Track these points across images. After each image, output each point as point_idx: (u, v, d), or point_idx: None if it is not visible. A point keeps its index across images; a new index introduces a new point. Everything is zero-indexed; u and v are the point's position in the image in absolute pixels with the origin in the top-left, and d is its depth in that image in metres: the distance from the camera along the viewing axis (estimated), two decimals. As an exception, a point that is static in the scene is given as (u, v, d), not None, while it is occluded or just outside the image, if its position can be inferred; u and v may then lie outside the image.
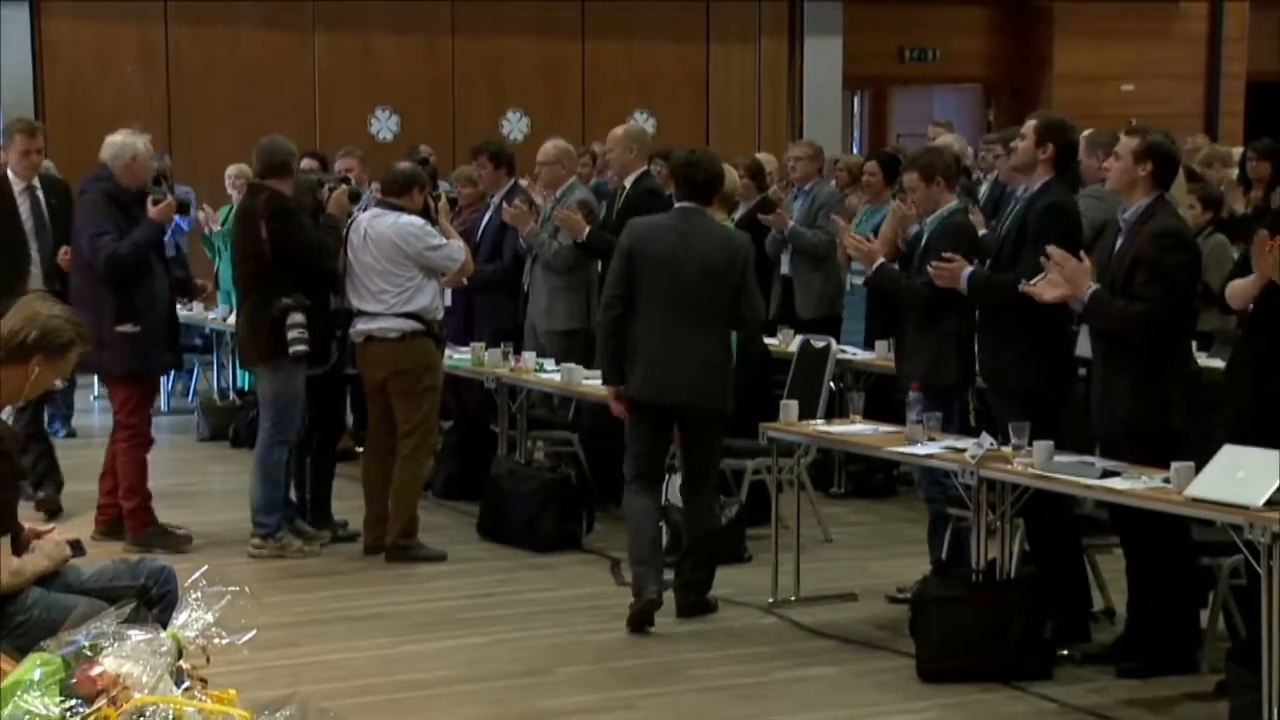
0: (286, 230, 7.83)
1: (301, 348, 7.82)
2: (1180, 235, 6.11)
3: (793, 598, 7.22)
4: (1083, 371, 6.68)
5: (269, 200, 7.88)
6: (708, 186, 6.98)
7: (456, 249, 8.01)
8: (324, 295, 8.02)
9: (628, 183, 9.08)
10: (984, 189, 10.03)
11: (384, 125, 15.37)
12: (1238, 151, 11.15)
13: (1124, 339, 6.06)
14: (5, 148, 8.75)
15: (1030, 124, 6.67)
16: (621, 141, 9.01)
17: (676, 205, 7.02)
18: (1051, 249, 6.15)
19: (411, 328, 7.93)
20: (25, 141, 8.67)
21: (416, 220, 7.96)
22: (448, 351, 8.80)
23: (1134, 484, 5.71)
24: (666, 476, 7.94)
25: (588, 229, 8.86)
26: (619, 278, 6.89)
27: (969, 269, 6.72)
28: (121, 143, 8.08)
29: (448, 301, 9.51)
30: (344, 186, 8.31)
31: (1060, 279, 6.13)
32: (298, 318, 7.81)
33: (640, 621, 6.83)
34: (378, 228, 7.94)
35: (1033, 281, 6.23)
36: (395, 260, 7.91)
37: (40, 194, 8.75)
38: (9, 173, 8.69)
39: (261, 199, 7.90)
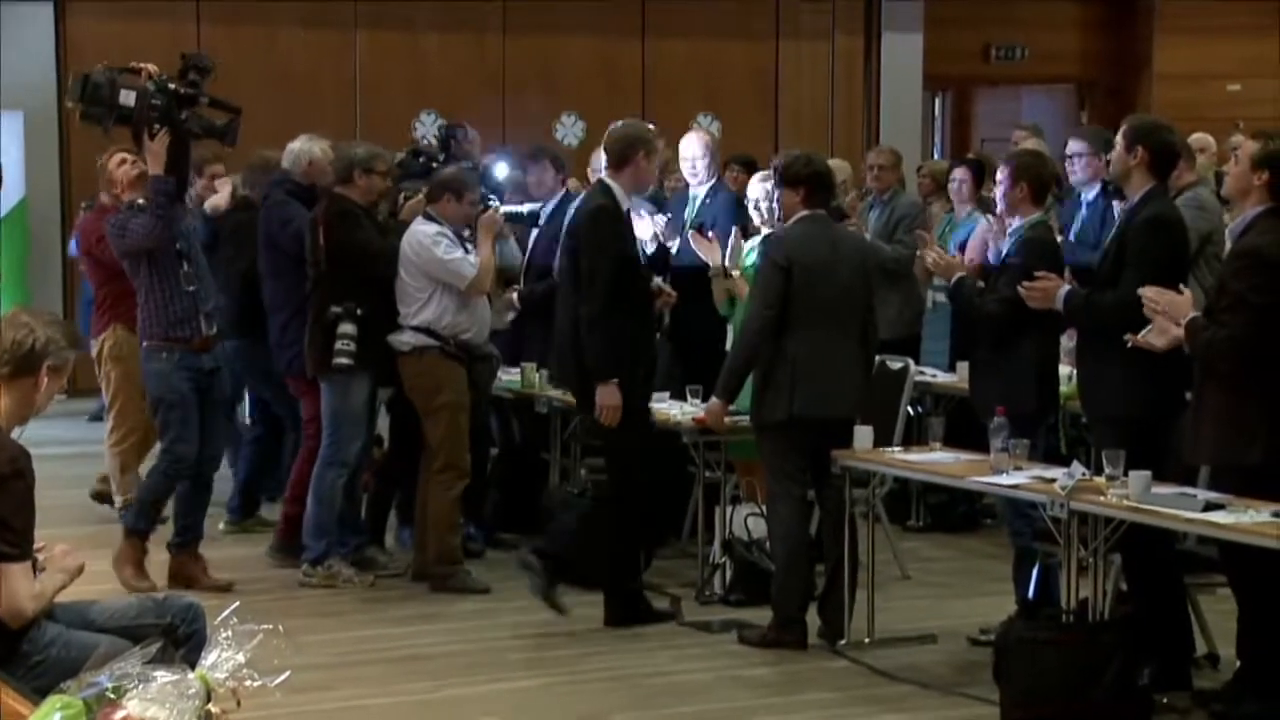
0: (342, 234, 8.10)
1: (345, 360, 7.97)
2: (1256, 255, 5.98)
3: (867, 639, 7.20)
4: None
5: (328, 205, 8.26)
6: (831, 191, 7.44)
7: (465, 264, 8.07)
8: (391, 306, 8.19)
9: (700, 192, 9.12)
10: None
11: (429, 129, 15.43)
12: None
13: (1212, 368, 6.01)
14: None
15: (1121, 129, 6.64)
16: (709, 148, 9.13)
17: (806, 213, 7.24)
18: (1144, 291, 6.12)
19: (423, 342, 8.10)
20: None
21: (429, 229, 8.11)
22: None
23: (1239, 518, 5.67)
24: (731, 508, 7.98)
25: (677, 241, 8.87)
26: (777, 293, 7.12)
27: (1065, 288, 6.69)
28: (298, 149, 8.80)
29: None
30: (422, 195, 8.47)
31: (1163, 323, 6.08)
32: (347, 328, 7.97)
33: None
34: (406, 236, 8.13)
35: (1140, 335, 6.16)
36: (408, 269, 8.13)
37: None
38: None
39: (322, 206, 8.30)
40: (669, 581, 8.24)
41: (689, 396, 8.15)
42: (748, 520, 7.95)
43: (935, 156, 16.89)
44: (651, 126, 7.68)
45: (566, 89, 15.92)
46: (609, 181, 7.53)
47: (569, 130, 15.85)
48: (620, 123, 7.70)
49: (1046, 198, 7.36)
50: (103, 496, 9.75)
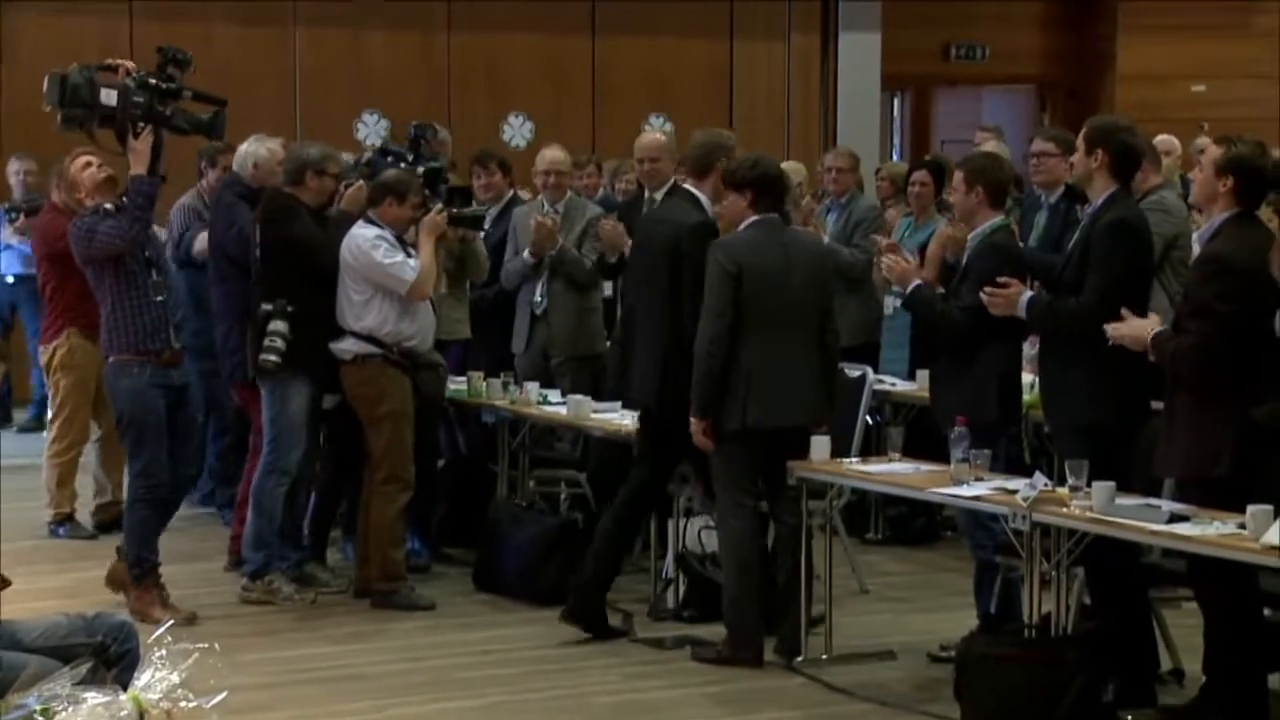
0: (278, 228, 8.11)
1: (272, 358, 7.95)
2: (1220, 261, 6.01)
3: (824, 656, 7.21)
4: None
5: (266, 200, 8.29)
6: (782, 194, 7.37)
7: (405, 268, 8.06)
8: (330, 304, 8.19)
9: (658, 195, 9.13)
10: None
11: (372, 130, 15.39)
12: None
13: (1179, 377, 6.04)
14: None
15: (1082, 131, 6.69)
16: (667, 150, 9.15)
17: (757, 218, 7.23)
18: (1108, 329, 6.18)
19: (365, 350, 8.11)
20: None
21: (368, 232, 8.11)
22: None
23: (1204, 529, 5.70)
24: (684, 520, 7.98)
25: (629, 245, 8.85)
26: (728, 302, 7.10)
27: (1028, 294, 6.72)
28: (244, 151, 8.85)
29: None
30: (362, 182, 8.49)
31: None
32: (278, 325, 7.95)
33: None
34: (346, 240, 8.14)
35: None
36: (348, 274, 8.12)
37: None
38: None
39: (261, 203, 8.33)
40: (621, 597, 8.22)
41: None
42: (701, 533, 7.95)
43: (894, 158, 16.94)
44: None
45: (514, 89, 15.90)
46: (696, 192, 7.60)
47: (517, 131, 15.83)
48: (700, 130, 7.92)
49: (1005, 201, 7.39)
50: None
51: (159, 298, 7.70)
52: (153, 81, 7.56)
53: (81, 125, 7.48)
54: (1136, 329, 6.15)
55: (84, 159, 8.04)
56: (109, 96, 7.45)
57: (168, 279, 7.87)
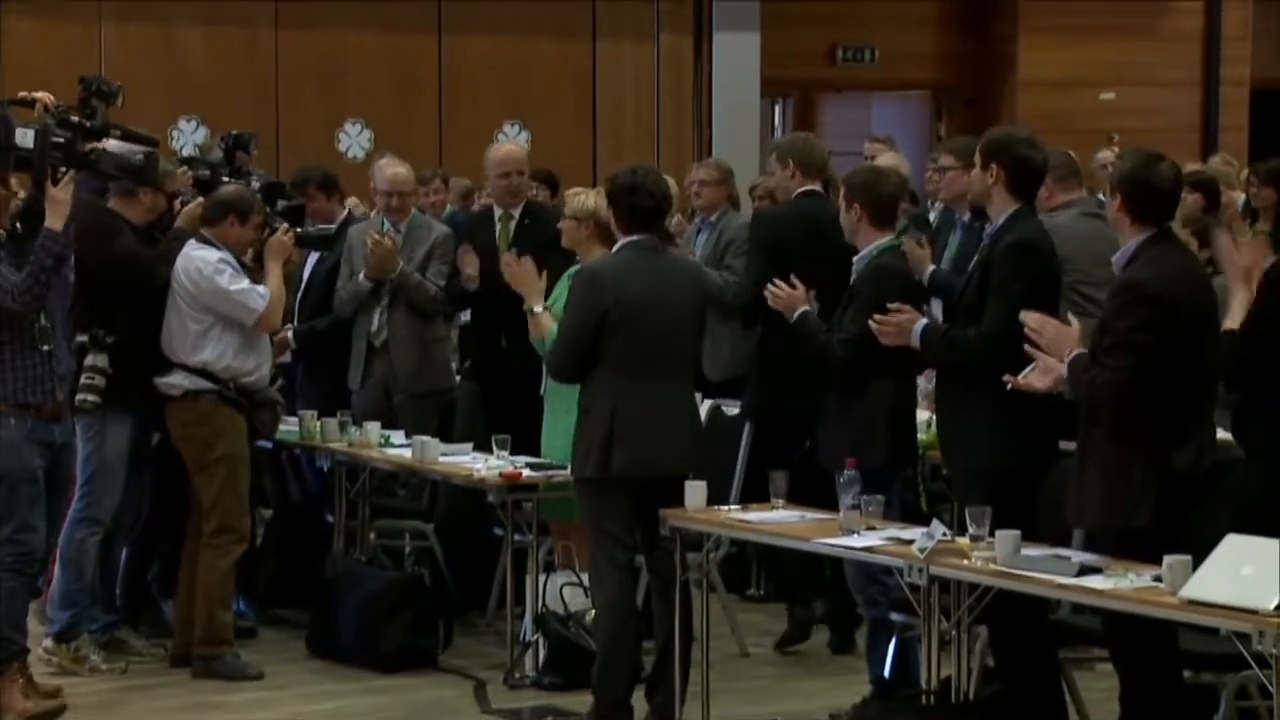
0: (94, 246, 7.88)
1: (90, 398, 7.83)
2: (1137, 289, 6.03)
3: (701, 727, 7.23)
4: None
5: (83, 216, 7.91)
6: (659, 212, 7.35)
7: (254, 295, 8.04)
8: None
9: (515, 211, 9.14)
10: (933, 217, 10.09)
11: (190, 139, 15.27)
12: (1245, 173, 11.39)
13: (1095, 415, 6.09)
14: None
15: (978, 146, 6.78)
16: (527, 163, 9.15)
17: (627, 240, 7.22)
18: (1025, 317, 6.19)
19: (198, 385, 8.06)
20: None
21: (209, 255, 8.06)
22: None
23: (1118, 582, 5.76)
24: (544, 576, 7.98)
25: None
26: (584, 334, 7.07)
27: (922, 322, 6.77)
28: None
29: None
30: (202, 199, 8.38)
31: (1048, 362, 6.14)
32: (96, 360, 7.85)
33: None
34: (180, 263, 8.07)
35: (1021, 375, 6.22)
36: (185, 301, 8.06)
37: None
38: None
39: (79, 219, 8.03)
40: (473, 663, 8.20)
41: (495, 448, 8.13)
42: (563, 591, 7.94)
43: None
44: None
45: (351, 94, 15.83)
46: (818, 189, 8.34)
47: (354, 141, 15.77)
48: (799, 136, 8.36)
49: (892, 219, 7.44)
50: None
51: (45, 346, 7.41)
52: (74, 119, 7.40)
53: None
54: (1060, 336, 6.15)
55: None
56: (25, 137, 7.21)
57: (56, 324, 7.53)
